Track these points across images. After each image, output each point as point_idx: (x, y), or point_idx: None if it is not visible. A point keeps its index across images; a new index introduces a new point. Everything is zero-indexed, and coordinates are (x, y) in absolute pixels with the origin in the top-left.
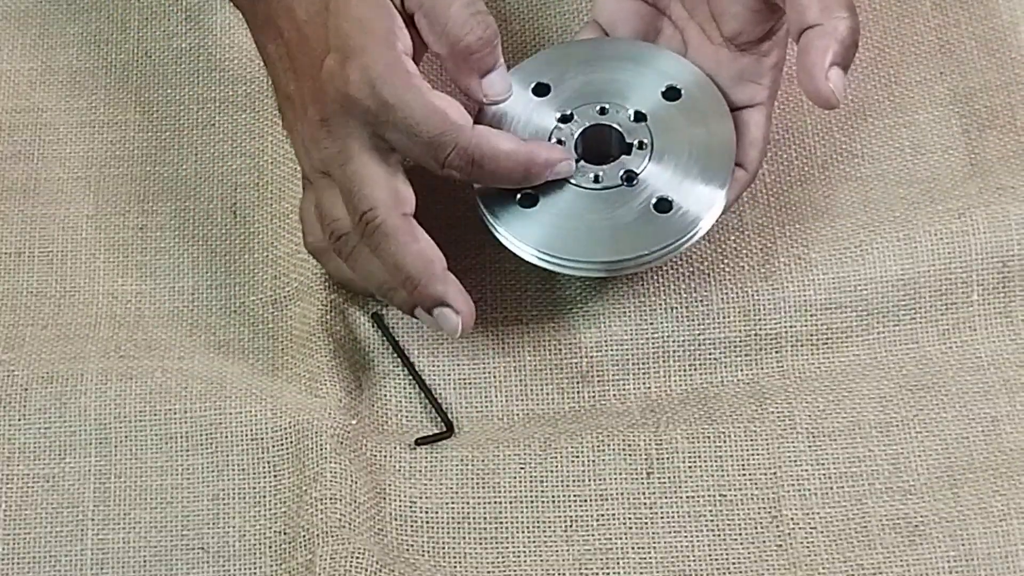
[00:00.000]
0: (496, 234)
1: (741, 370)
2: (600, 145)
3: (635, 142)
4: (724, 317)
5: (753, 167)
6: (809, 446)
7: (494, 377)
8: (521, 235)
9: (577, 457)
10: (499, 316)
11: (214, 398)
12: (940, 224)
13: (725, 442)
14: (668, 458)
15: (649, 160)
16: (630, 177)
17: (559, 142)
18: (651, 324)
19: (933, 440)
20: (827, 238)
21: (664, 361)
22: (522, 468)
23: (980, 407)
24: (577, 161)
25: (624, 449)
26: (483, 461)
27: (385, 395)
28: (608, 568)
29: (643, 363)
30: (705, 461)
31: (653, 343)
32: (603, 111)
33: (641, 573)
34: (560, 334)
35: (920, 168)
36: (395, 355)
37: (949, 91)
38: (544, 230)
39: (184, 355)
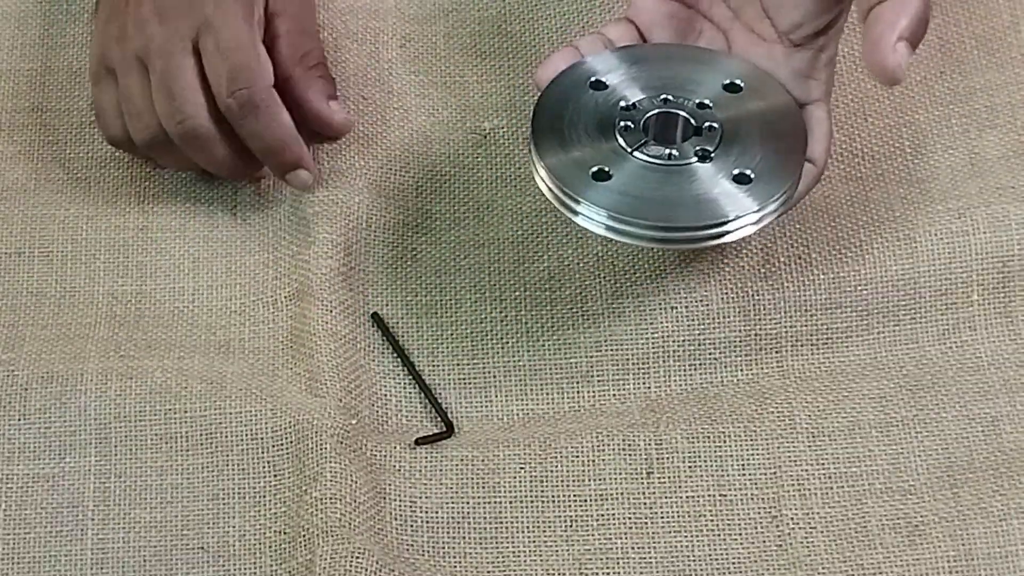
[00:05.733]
0: (567, 207)
1: (741, 370)
2: (669, 131)
3: (705, 125)
4: (724, 317)
5: (822, 162)
6: (809, 446)
7: (494, 377)
8: (597, 201)
9: (577, 457)
10: (499, 316)
11: (214, 398)
12: (940, 224)
13: (725, 442)
14: (668, 458)
15: (721, 140)
16: (704, 155)
17: (625, 127)
18: (651, 324)
19: (933, 440)
20: (827, 238)
21: (664, 361)
22: (522, 468)
23: (980, 407)
24: (647, 141)
25: (624, 449)
26: (483, 461)
27: (385, 395)
28: (608, 568)
29: (643, 363)
30: (705, 461)
31: (653, 343)
32: (666, 101)
33: (641, 573)
34: (560, 334)
35: (920, 168)
36: (395, 355)
37: (949, 90)
38: (626, 201)
39: (184, 355)
